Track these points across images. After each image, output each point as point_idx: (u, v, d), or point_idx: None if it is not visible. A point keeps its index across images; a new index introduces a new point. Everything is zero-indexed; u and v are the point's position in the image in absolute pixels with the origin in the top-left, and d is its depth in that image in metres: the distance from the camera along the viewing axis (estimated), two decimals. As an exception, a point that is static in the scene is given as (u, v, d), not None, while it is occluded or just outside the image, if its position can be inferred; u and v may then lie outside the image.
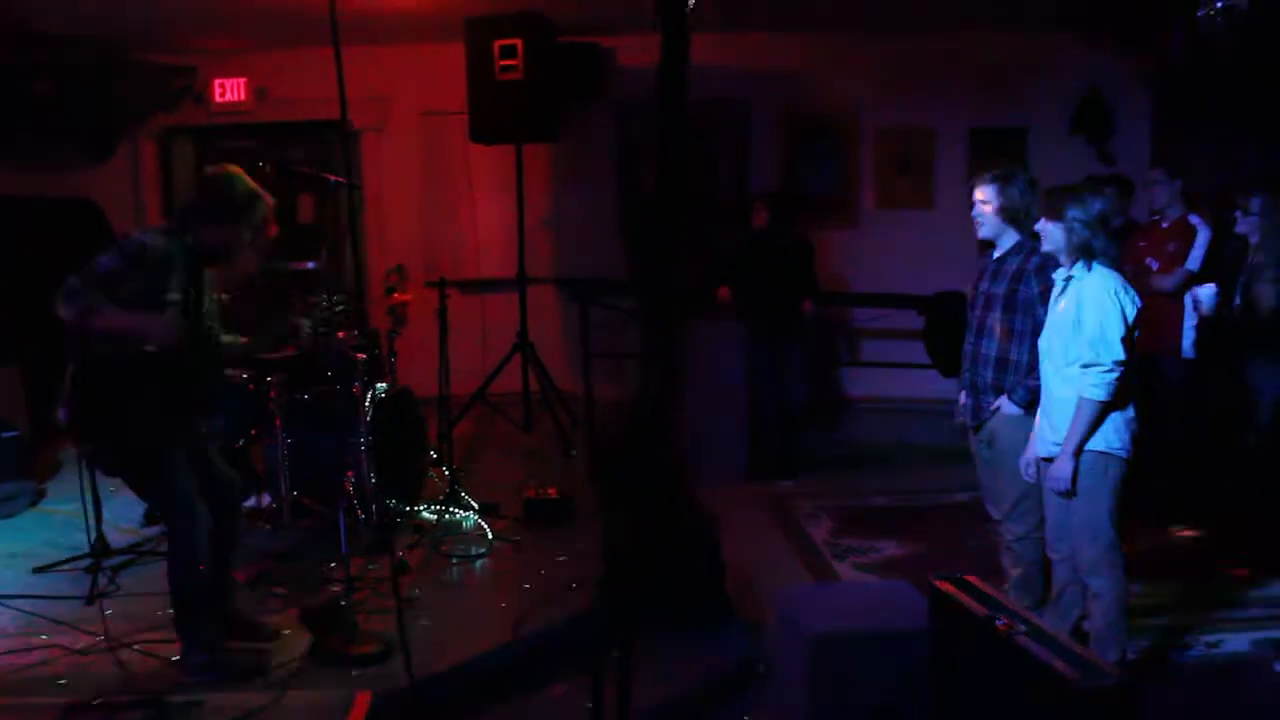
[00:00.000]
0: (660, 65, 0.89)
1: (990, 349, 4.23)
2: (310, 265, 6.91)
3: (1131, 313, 3.65)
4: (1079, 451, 3.65)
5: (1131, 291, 3.69)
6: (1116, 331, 3.61)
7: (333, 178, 4.09)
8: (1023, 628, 2.27)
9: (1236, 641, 4.36)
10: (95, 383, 3.63)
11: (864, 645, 2.73)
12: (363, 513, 5.02)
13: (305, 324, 4.23)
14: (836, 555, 5.61)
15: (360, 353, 5.24)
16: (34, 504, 5.91)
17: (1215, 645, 4.33)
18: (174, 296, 3.70)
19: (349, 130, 8.54)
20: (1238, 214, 5.19)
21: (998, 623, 2.32)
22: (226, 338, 4.02)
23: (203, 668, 3.76)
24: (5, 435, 6.12)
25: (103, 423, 3.65)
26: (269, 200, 3.86)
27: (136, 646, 4.02)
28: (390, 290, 6.05)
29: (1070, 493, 3.68)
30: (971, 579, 2.58)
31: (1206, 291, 5.20)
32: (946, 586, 2.54)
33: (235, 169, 3.84)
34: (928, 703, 2.58)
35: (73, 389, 3.64)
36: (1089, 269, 3.70)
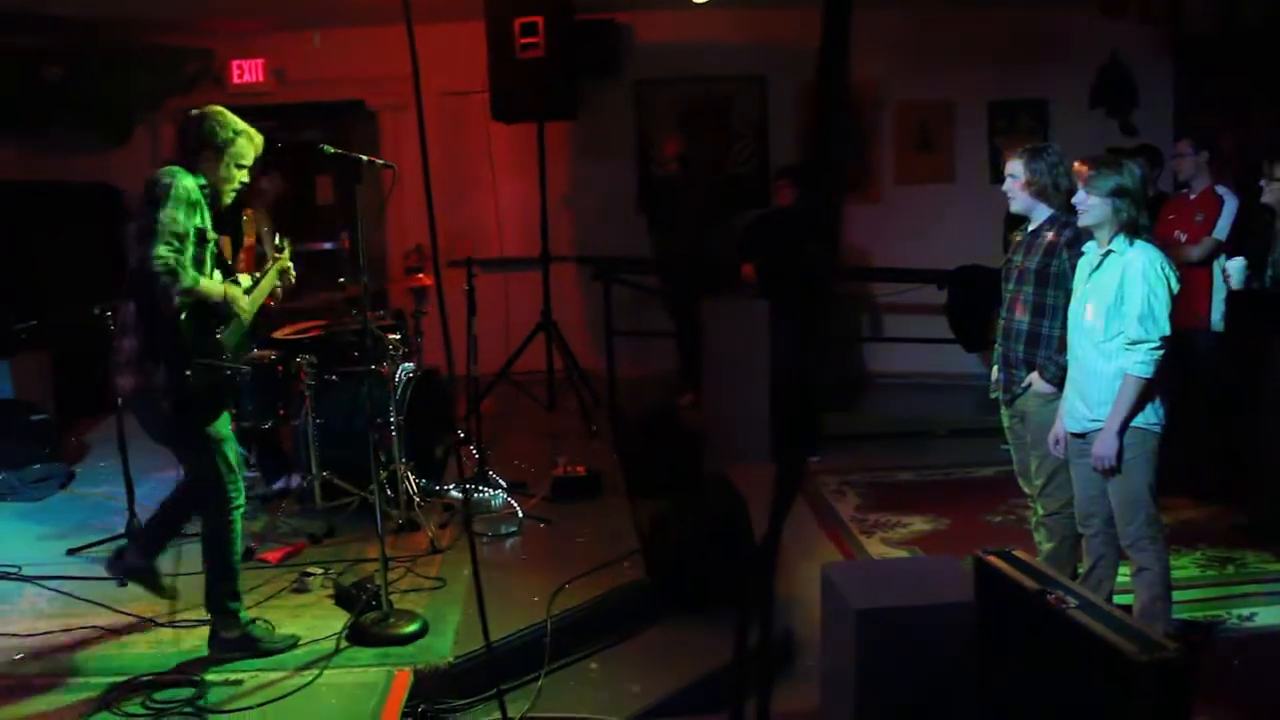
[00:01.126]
0: (823, 33, 0.86)
1: (1022, 324, 4.22)
2: (328, 246, 6.92)
3: (1176, 288, 3.63)
4: (1124, 429, 3.63)
5: (1173, 267, 3.66)
6: (1165, 308, 3.59)
7: (367, 158, 4.08)
8: (1074, 601, 2.26)
9: (1270, 614, 4.36)
10: (173, 348, 3.60)
11: (910, 618, 2.73)
12: (392, 492, 5.03)
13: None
14: (864, 531, 5.63)
15: (390, 332, 5.25)
16: (64, 486, 5.94)
17: (1249, 618, 4.33)
18: (211, 235, 3.73)
19: (368, 110, 8.53)
20: (1262, 183, 5.13)
21: (1049, 596, 2.32)
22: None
23: (234, 644, 3.79)
24: (35, 418, 6.15)
25: (187, 381, 3.60)
26: (257, 137, 3.83)
27: (176, 626, 4.05)
28: (411, 270, 6.07)
29: (1115, 470, 3.66)
30: (1019, 553, 2.57)
31: (1236, 265, 5.17)
32: (994, 560, 2.53)
33: (218, 108, 3.79)
34: (974, 675, 2.58)
35: (145, 356, 3.60)
36: (1130, 244, 3.67)
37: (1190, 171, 5.88)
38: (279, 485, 5.51)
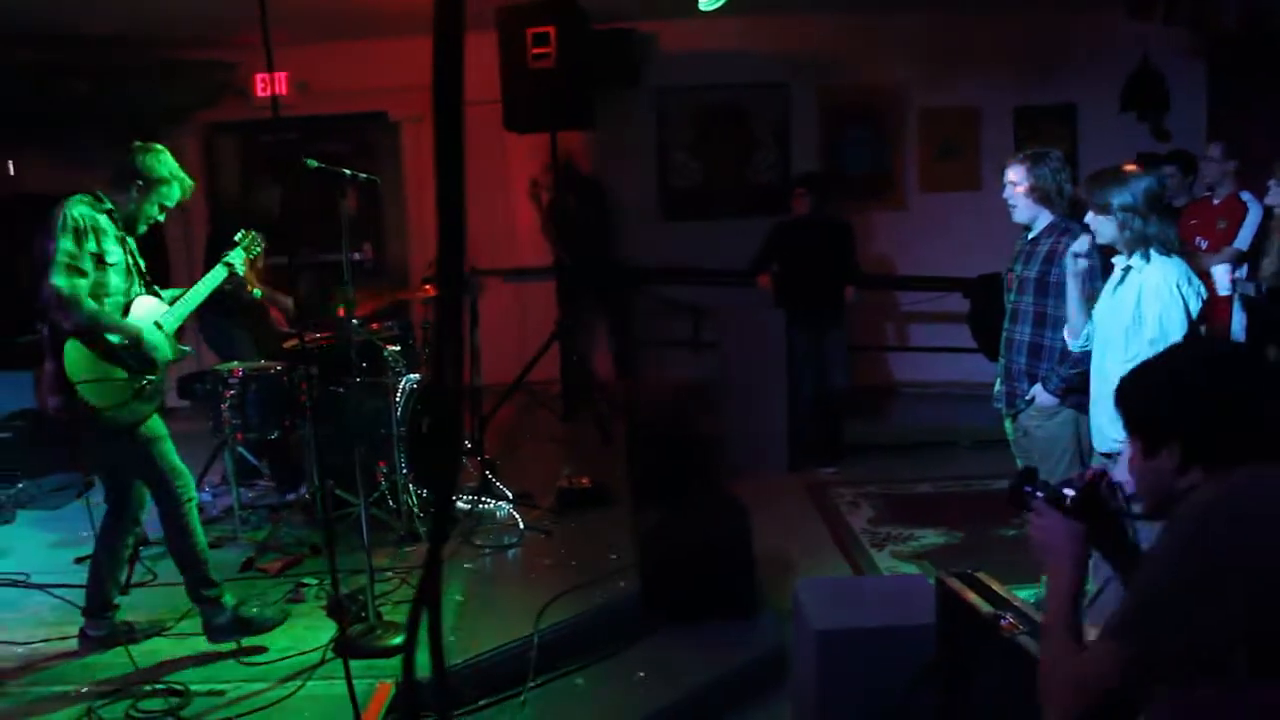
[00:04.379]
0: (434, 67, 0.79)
1: (1024, 334, 4.14)
2: (355, 257, 6.96)
3: (1196, 306, 3.46)
4: None
5: (1196, 282, 3.51)
6: (1179, 329, 3.44)
7: (350, 172, 4.08)
8: (1026, 628, 2.19)
9: None
10: (77, 364, 3.70)
11: (871, 640, 2.67)
12: (394, 504, 5.04)
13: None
14: (875, 544, 5.54)
15: (392, 344, 5.26)
16: (80, 495, 6.02)
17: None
18: (113, 259, 3.81)
19: (390, 121, 8.59)
20: (1270, 183, 4.98)
21: (1002, 621, 2.25)
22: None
23: (226, 628, 3.94)
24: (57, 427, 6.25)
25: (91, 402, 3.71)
26: (187, 183, 3.98)
27: (166, 636, 4.09)
28: (426, 281, 6.08)
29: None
30: (981, 575, 2.50)
31: (1221, 269, 5.04)
32: (953, 582, 2.47)
33: (160, 147, 3.95)
34: (934, 699, 2.51)
35: (58, 377, 3.70)
36: (1147, 260, 3.54)
37: (1216, 176, 5.74)
38: (290, 495, 5.55)
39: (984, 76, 8.27)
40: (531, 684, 3.86)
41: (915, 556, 5.34)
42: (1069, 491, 2.02)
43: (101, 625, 4.02)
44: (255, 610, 4.09)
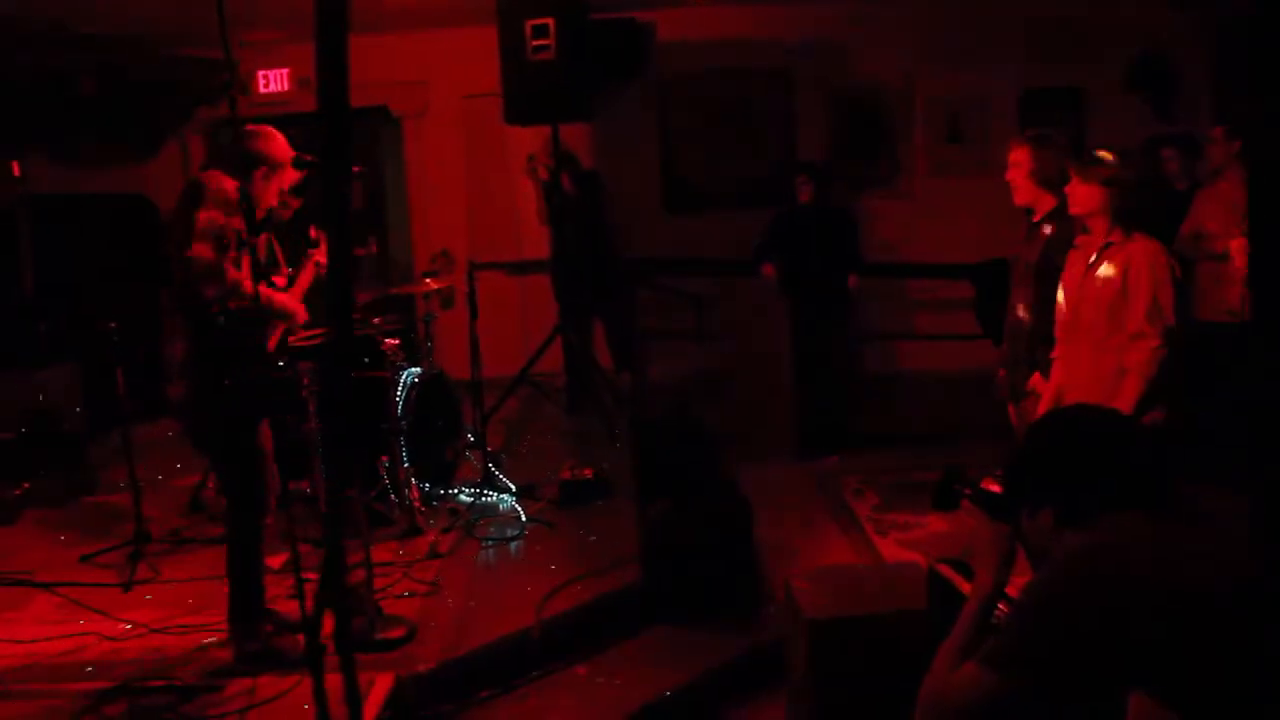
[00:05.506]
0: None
1: (1023, 322, 4.10)
2: (360, 252, 6.97)
3: (1178, 278, 3.48)
4: None
5: (1174, 259, 3.52)
6: (1171, 300, 3.44)
7: (356, 170, 4.07)
8: (1014, 613, 2.16)
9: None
10: (215, 354, 3.63)
11: (863, 628, 2.65)
12: (397, 497, 5.04)
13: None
14: (879, 531, 5.50)
15: (391, 338, 5.25)
16: (87, 494, 6.05)
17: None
18: (251, 240, 3.73)
19: (392, 116, 8.57)
20: None
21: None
22: None
23: (255, 656, 3.79)
24: (62, 427, 6.27)
25: (222, 394, 3.65)
26: (303, 164, 3.87)
27: (169, 633, 4.09)
28: (426, 274, 6.08)
29: None
30: (974, 562, 2.46)
31: (1239, 245, 4.99)
32: (944, 569, 2.45)
33: (272, 129, 3.84)
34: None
35: (190, 363, 3.65)
36: (1128, 235, 3.52)
37: (1222, 159, 5.68)
38: (291, 491, 5.54)
39: (989, 61, 8.20)
40: (533, 675, 3.86)
41: (921, 544, 5.29)
42: (994, 490, 2.06)
43: (254, 636, 3.80)
44: (289, 645, 3.85)
